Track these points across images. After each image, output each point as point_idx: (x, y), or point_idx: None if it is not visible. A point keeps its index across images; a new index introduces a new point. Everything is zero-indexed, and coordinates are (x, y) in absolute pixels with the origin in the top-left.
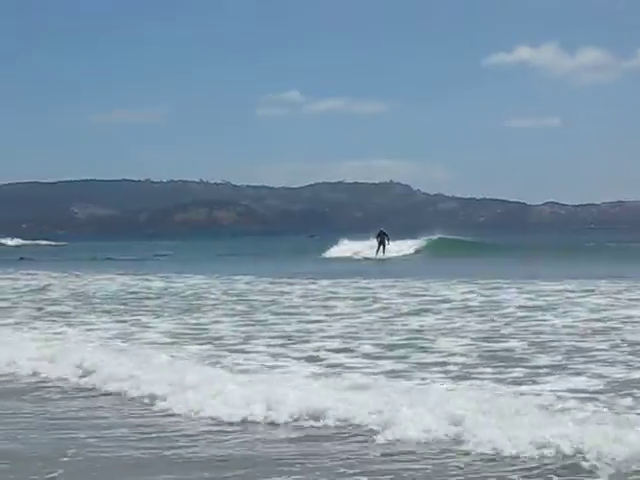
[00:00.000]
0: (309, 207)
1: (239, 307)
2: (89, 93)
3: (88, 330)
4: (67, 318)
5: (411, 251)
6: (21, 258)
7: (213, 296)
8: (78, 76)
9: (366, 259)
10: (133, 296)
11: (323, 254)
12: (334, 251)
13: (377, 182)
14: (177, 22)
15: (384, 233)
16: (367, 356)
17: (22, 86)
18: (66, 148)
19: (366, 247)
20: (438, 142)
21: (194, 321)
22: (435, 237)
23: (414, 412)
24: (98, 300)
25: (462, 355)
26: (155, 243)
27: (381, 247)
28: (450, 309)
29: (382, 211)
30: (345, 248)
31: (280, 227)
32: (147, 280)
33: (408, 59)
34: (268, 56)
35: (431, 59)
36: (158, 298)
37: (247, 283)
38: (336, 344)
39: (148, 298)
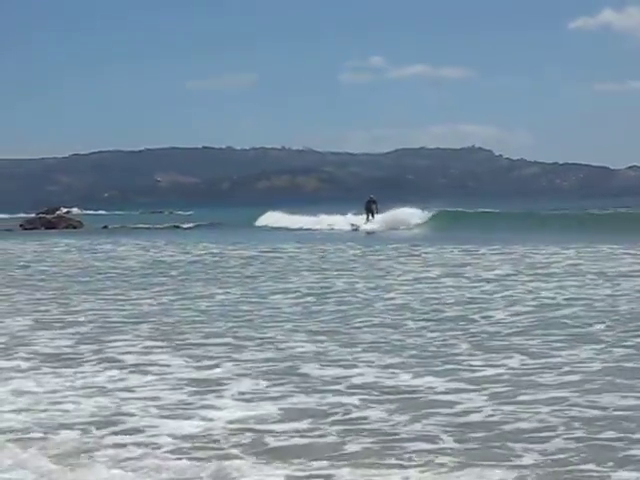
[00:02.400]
0: (392, 173)
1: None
2: (173, 62)
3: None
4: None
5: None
6: (104, 227)
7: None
8: (162, 46)
9: (354, 228)
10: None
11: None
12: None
13: (459, 147)
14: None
15: (373, 201)
16: None
17: (106, 54)
18: (149, 117)
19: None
20: (521, 107)
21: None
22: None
23: None
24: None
25: None
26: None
27: (369, 215)
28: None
29: (464, 176)
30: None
31: (362, 194)
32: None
33: (491, 24)
34: (352, 23)
35: (515, 24)
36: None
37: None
38: None
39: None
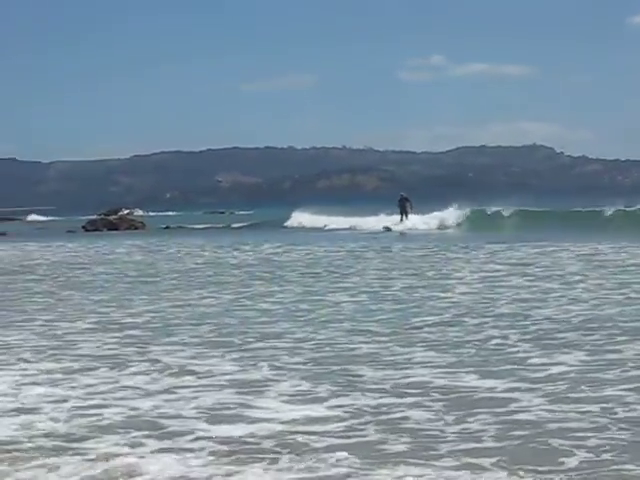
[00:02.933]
0: (452, 172)
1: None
2: (234, 63)
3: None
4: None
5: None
6: (166, 227)
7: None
8: (224, 47)
9: (386, 229)
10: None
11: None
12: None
13: (520, 145)
14: None
15: (406, 199)
16: None
17: (166, 55)
18: (210, 117)
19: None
20: (582, 103)
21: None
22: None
23: None
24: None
25: None
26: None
27: (403, 215)
28: None
29: (525, 174)
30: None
31: (422, 192)
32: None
33: (551, 21)
34: (412, 21)
35: (574, 21)
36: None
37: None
38: None
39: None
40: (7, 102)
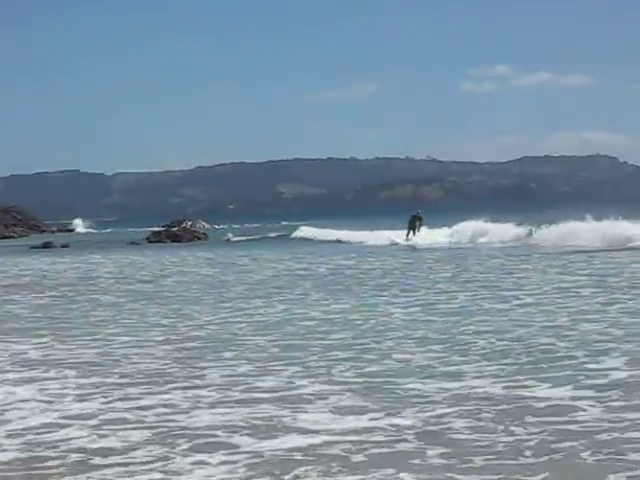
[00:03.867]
0: (516, 182)
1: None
2: (296, 74)
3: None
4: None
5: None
6: (227, 239)
7: None
8: (285, 58)
9: (393, 243)
10: None
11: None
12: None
13: (584, 155)
14: (386, 8)
15: (419, 217)
16: None
17: (231, 67)
18: (272, 128)
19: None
20: None
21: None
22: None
23: None
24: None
25: None
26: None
27: (411, 232)
28: None
29: (589, 184)
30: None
31: (487, 203)
32: None
33: (615, 30)
34: (477, 31)
35: (636, 29)
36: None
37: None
38: None
39: None
40: (70, 114)
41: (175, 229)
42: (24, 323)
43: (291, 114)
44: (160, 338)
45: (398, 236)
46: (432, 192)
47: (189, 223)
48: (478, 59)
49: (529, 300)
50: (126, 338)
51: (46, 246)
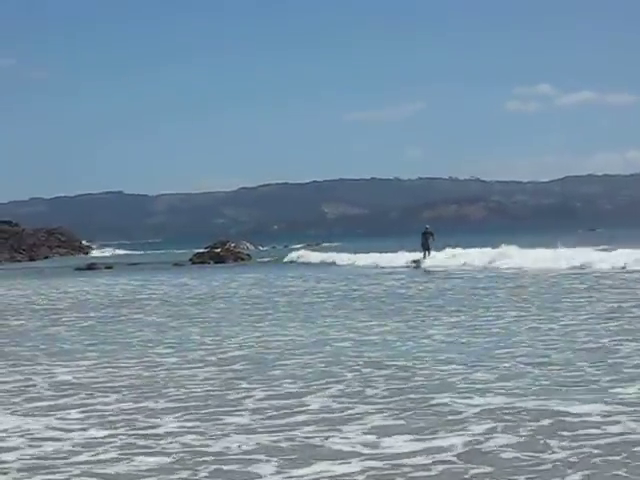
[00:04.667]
0: (559, 201)
1: None
2: (339, 94)
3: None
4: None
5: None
6: (269, 260)
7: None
8: (329, 79)
9: (415, 266)
10: None
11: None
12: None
13: (628, 174)
14: (431, 27)
15: (430, 233)
16: None
17: (276, 87)
18: (316, 149)
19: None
20: None
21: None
22: None
23: None
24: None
25: None
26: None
27: (427, 252)
28: None
29: (632, 203)
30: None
31: (530, 222)
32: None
33: None
34: (520, 50)
35: None
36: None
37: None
38: None
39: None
40: (113, 135)
41: (218, 250)
42: (71, 344)
43: (335, 134)
44: (204, 358)
45: (414, 258)
46: (476, 212)
47: (232, 244)
48: (521, 78)
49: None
50: (172, 359)
51: (90, 268)
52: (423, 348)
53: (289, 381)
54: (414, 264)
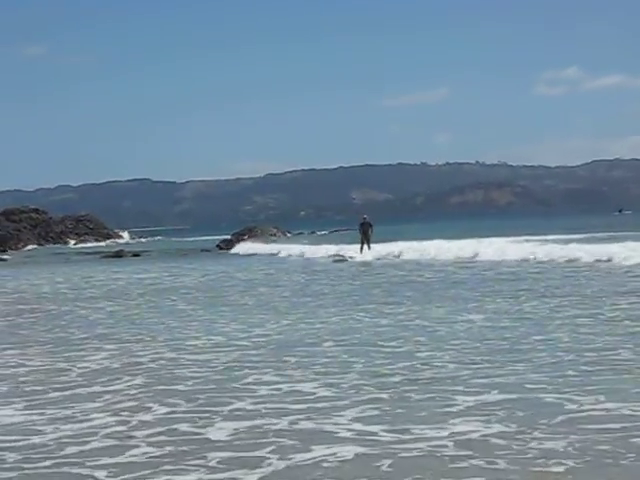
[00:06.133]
0: (586, 185)
1: None
2: (366, 80)
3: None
4: None
5: None
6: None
7: None
8: (358, 63)
9: (340, 260)
10: None
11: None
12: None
13: None
14: (457, 13)
15: (369, 223)
16: None
17: (301, 74)
18: (342, 135)
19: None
20: None
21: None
22: None
23: None
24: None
25: None
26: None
27: (365, 244)
28: None
29: None
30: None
31: (558, 207)
32: None
33: None
34: (547, 33)
35: None
36: None
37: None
38: None
39: None
40: (141, 122)
41: (246, 237)
42: (102, 329)
43: (362, 120)
44: (213, 345)
45: (343, 250)
46: (502, 196)
47: (259, 231)
48: (549, 62)
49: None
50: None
51: (117, 255)
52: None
53: (307, 370)
54: (339, 258)
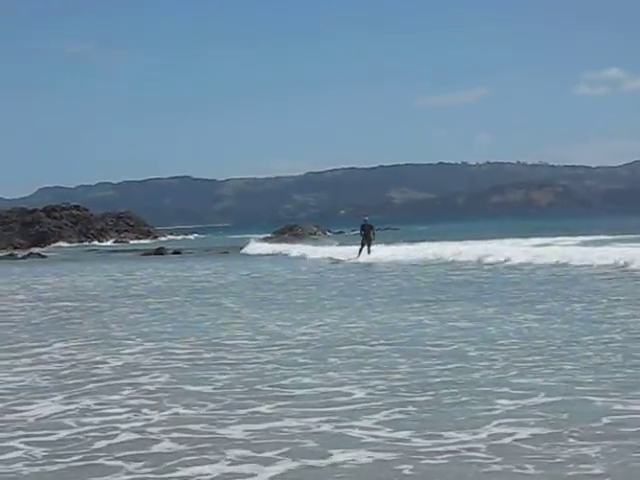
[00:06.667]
0: (628, 186)
1: None
2: (407, 80)
3: None
4: None
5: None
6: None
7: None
8: (399, 62)
9: (334, 262)
10: None
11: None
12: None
13: None
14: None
15: (370, 226)
16: None
17: (342, 73)
18: (383, 133)
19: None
20: None
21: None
22: None
23: None
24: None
25: None
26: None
27: (365, 246)
28: None
29: None
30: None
31: (599, 207)
32: None
33: None
34: (589, 34)
35: None
36: None
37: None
38: None
39: None
40: (181, 119)
41: (286, 235)
42: (142, 327)
43: (402, 119)
44: (252, 341)
45: (340, 253)
46: (543, 196)
47: (300, 229)
48: (589, 63)
49: None
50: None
51: (158, 253)
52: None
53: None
54: (333, 260)
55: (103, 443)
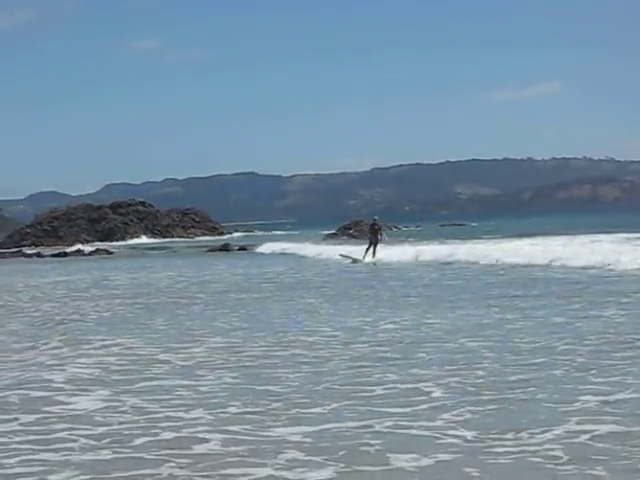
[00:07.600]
0: None
1: None
2: (472, 73)
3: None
4: None
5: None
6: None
7: None
8: (463, 59)
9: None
10: None
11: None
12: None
13: None
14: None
15: (378, 226)
16: None
17: (417, 70)
18: (449, 129)
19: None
20: None
21: None
22: None
23: None
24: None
25: None
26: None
27: (372, 247)
28: None
29: None
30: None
31: None
32: None
33: None
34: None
35: None
36: None
37: None
38: None
39: None
40: (247, 116)
41: (351, 231)
42: (220, 323)
43: (468, 115)
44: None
45: (350, 252)
46: (610, 192)
47: (365, 225)
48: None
49: None
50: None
51: (224, 249)
52: None
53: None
54: (347, 258)
55: (144, 439)
